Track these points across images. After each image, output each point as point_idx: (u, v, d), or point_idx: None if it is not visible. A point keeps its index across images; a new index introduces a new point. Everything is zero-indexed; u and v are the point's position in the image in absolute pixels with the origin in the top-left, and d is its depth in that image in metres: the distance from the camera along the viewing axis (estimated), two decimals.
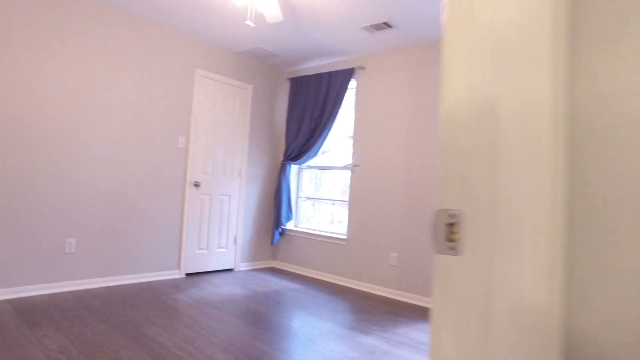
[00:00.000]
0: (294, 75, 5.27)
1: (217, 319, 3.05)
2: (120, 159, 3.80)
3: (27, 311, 2.90)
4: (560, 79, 0.57)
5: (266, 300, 3.64)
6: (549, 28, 0.57)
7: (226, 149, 4.71)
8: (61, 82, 3.43)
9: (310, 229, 4.99)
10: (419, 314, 3.54)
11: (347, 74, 4.57)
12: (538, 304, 0.54)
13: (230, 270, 4.81)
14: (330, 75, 4.70)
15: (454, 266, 0.61)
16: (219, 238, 4.66)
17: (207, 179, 4.53)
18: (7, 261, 3.16)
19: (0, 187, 3.12)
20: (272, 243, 5.10)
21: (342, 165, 4.82)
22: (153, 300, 3.38)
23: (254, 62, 4.98)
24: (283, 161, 5.07)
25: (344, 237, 4.55)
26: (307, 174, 5.25)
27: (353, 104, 4.69)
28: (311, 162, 5.12)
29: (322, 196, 5.05)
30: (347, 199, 4.62)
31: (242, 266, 4.92)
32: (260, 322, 3.05)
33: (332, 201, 4.93)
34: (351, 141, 4.64)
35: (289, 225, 5.19)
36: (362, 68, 4.55)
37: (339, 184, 4.88)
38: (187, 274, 4.39)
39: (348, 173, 4.70)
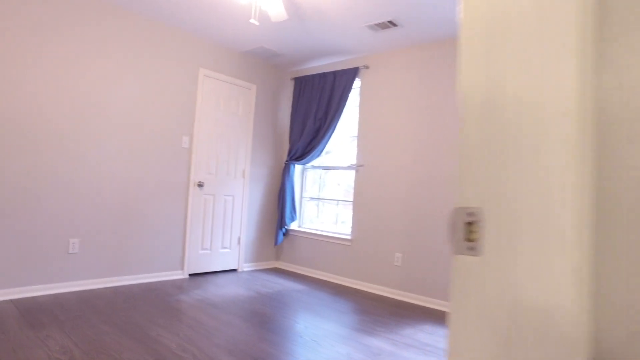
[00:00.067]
0: (298, 75, 5.24)
1: (220, 320, 3.02)
2: (123, 159, 3.79)
3: (30, 311, 2.89)
4: (586, 72, 0.54)
5: (270, 301, 3.62)
6: (575, 17, 0.54)
7: (230, 149, 4.69)
8: (63, 82, 3.42)
9: (314, 230, 4.96)
10: (424, 315, 3.50)
11: (351, 74, 4.54)
12: (564, 309, 0.51)
13: (233, 270, 4.78)
14: (335, 74, 4.67)
15: (473, 267, 0.58)
16: (222, 238, 4.64)
17: (211, 179, 4.51)
18: (11, 261, 3.15)
19: (4, 188, 3.12)
20: (275, 243, 5.07)
21: (346, 165, 4.79)
22: (156, 301, 3.36)
23: (258, 61, 4.96)
24: (287, 161, 5.04)
25: (349, 237, 4.52)
26: (311, 174, 5.22)
27: (357, 103, 4.66)
28: (315, 162, 5.09)
29: (326, 196, 5.02)
30: (352, 199, 4.58)
31: (246, 267, 4.90)
32: (264, 323, 3.02)
33: (336, 201, 4.90)
34: (355, 141, 4.60)
35: (293, 226, 5.16)
36: (367, 67, 4.52)
37: (343, 184, 4.84)
38: (190, 275, 4.37)
39: (352, 173, 4.67)
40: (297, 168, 5.22)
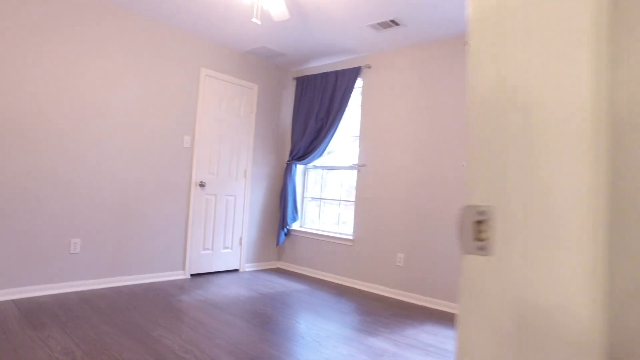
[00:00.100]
0: (300, 75, 5.23)
1: (222, 320, 3.01)
2: (125, 159, 3.78)
3: (32, 312, 2.88)
4: (601, 67, 0.52)
5: (272, 302, 3.60)
6: (589, 8, 0.52)
7: (231, 149, 4.68)
8: (64, 82, 3.41)
9: (316, 230, 4.95)
10: (427, 315, 3.48)
11: (353, 73, 4.52)
12: (578, 310, 0.49)
13: (235, 271, 4.77)
14: (337, 74, 4.66)
15: (483, 267, 0.57)
16: (224, 238, 4.63)
17: (213, 179, 4.50)
18: (12, 261, 3.15)
19: (5, 188, 3.11)
20: (277, 244, 5.06)
21: (348, 165, 4.77)
22: (158, 302, 3.35)
23: (260, 61, 4.95)
24: (289, 161, 5.03)
25: (350, 237, 4.50)
26: (312, 174, 5.21)
27: (359, 103, 4.64)
28: (317, 162, 5.08)
29: (327, 196, 5.00)
30: (353, 199, 4.57)
31: (248, 267, 4.88)
32: (266, 324, 3.01)
33: (338, 201, 4.88)
34: (357, 141, 4.59)
35: (295, 226, 5.15)
36: (369, 67, 4.50)
37: (345, 184, 4.83)
38: (192, 275, 4.36)
39: (354, 173, 4.65)
40: (299, 168, 5.21)
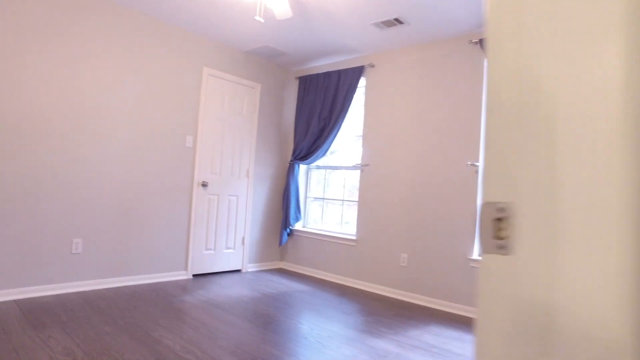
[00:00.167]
0: (303, 74, 5.20)
1: (224, 321, 2.98)
2: (127, 158, 3.76)
3: (33, 312, 2.86)
4: (634, 55, 0.49)
5: (274, 302, 3.57)
6: None
7: (234, 149, 4.66)
8: (66, 81, 3.40)
9: (319, 230, 4.92)
10: (431, 316, 3.44)
11: (356, 72, 4.49)
12: (608, 314, 0.46)
13: (237, 271, 4.75)
14: (340, 73, 4.63)
15: (503, 267, 0.54)
16: (226, 239, 4.60)
17: (215, 179, 4.48)
18: (14, 261, 3.13)
19: (6, 188, 3.09)
20: (280, 244, 5.03)
21: (351, 165, 4.74)
22: (160, 302, 3.33)
23: (262, 60, 4.93)
24: (291, 161, 5.00)
25: (353, 237, 4.47)
26: (315, 174, 5.18)
27: (362, 102, 4.61)
28: (320, 162, 5.05)
29: (330, 196, 4.98)
30: (356, 199, 4.54)
31: (250, 267, 4.86)
32: (268, 324, 2.98)
33: (340, 201, 4.85)
34: (360, 140, 4.56)
35: (298, 226, 5.12)
36: (372, 66, 4.47)
37: (348, 184, 4.80)
38: (194, 275, 4.33)
39: (357, 173, 4.62)
40: (302, 168, 5.18)
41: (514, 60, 0.56)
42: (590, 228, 0.49)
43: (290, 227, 5.01)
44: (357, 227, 4.45)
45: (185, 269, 4.23)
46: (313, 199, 5.16)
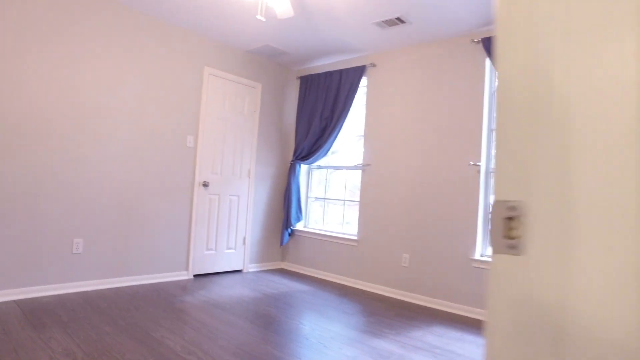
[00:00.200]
0: (304, 74, 5.19)
1: (225, 321, 2.97)
2: (128, 158, 3.75)
3: (34, 312, 2.85)
4: None
5: (276, 302, 3.56)
6: None
7: (235, 149, 4.65)
8: (66, 81, 3.39)
9: (320, 230, 4.90)
10: (433, 316, 3.43)
11: (358, 72, 4.48)
12: (626, 317, 0.45)
13: (238, 271, 4.73)
14: (341, 73, 4.62)
15: (514, 267, 0.52)
16: (227, 239, 4.59)
17: (216, 179, 4.46)
18: (14, 262, 3.12)
19: (7, 188, 3.08)
20: (281, 244, 5.02)
21: (352, 165, 4.73)
22: (161, 302, 3.31)
23: (264, 60, 4.92)
24: (292, 161, 4.99)
25: (355, 237, 4.45)
26: (316, 174, 5.17)
27: (364, 102, 4.60)
28: (321, 162, 5.04)
29: (332, 196, 4.96)
30: (358, 199, 4.52)
31: (251, 267, 4.85)
32: (270, 324, 2.97)
33: (342, 201, 4.84)
34: (362, 140, 4.54)
35: (299, 226, 5.11)
36: (374, 65, 4.46)
37: (349, 184, 4.78)
38: (195, 275, 4.32)
39: (358, 173, 4.61)
40: (303, 168, 5.17)
41: (525, 57, 0.54)
42: (605, 228, 0.48)
43: (291, 227, 5.00)
44: (359, 227, 4.44)
45: (186, 269, 4.22)
46: (314, 199, 5.14)
